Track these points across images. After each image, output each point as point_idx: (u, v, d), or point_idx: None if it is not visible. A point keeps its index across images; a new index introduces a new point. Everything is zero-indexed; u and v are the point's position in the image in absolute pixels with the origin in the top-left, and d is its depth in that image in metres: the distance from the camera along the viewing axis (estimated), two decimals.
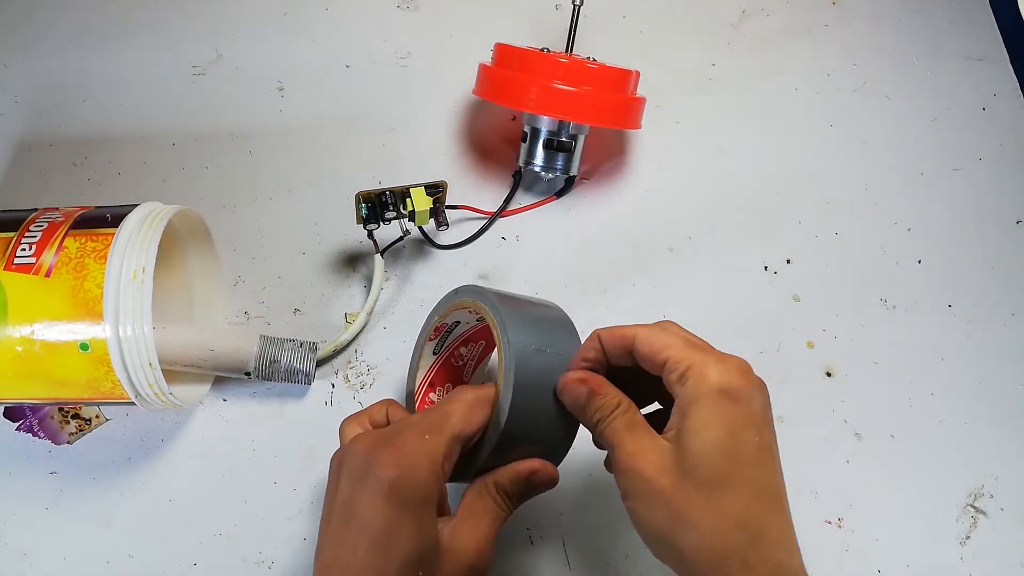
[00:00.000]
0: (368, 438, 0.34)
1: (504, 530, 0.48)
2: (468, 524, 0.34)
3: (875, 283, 0.56)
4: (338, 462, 0.35)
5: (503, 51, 0.53)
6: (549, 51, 0.52)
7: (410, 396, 0.45)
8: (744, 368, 0.33)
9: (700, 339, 0.35)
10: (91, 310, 0.39)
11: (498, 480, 0.36)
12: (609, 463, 0.35)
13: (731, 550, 0.30)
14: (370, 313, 0.52)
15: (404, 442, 0.33)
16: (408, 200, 0.50)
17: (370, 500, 0.31)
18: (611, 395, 0.35)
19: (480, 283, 0.54)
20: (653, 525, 0.32)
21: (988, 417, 0.52)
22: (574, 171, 0.56)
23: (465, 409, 0.35)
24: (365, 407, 0.40)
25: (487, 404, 0.35)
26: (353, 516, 0.32)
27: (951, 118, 0.61)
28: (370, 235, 0.51)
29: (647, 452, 0.32)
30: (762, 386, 0.33)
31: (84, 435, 0.49)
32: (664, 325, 0.35)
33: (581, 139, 0.55)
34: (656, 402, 0.39)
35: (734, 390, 0.32)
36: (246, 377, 0.48)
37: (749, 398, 0.32)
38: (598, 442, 0.37)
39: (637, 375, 0.36)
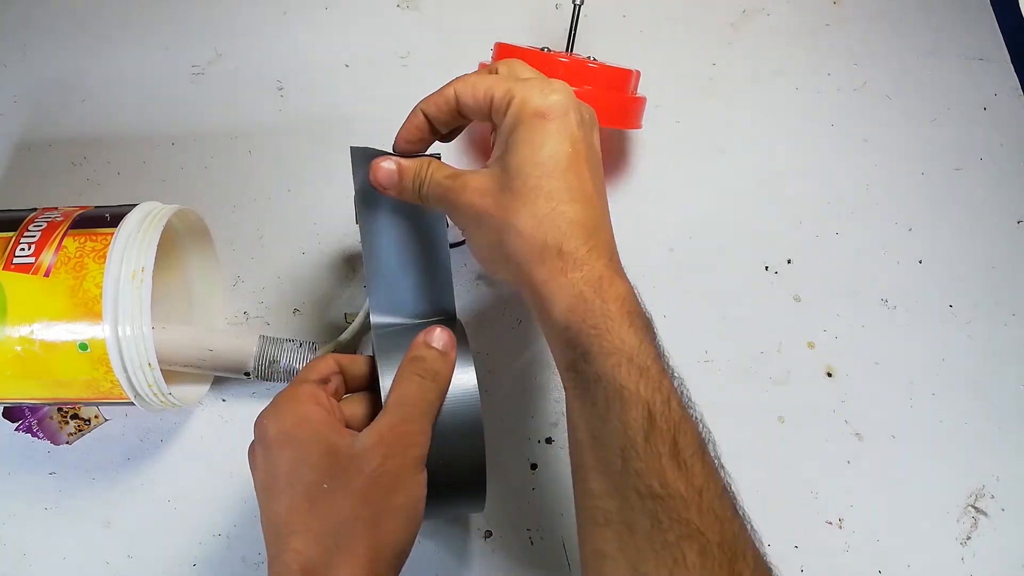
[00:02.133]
0: (259, 420, 0.37)
1: (505, 531, 0.48)
2: (382, 418, 0.36)
3: (876, 283, 0.56)
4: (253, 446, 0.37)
5: (503, 51, 0.53)
6: (549, 51, 0.52)
7: None
8: (563, 89, 0.35)
9: (534, 71, 0.38)
10: (90, 310, 0.39)
11: (411, 359, 0.37)
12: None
13: (547, 241, 0.33)
14: (369, 313, 0.51)
15: (279, 402, 0.36)
16: None
17: (274, 454, 0.34)
18: (418, 161, 0.38)
19: (480, 283, 0.54)
20: (485, 241, 0.35)
21: (988, 417, 0.52)
22: None
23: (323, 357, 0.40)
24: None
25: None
26: (278, 471, 0.34)
27: (952, 118, 0.61)
28: None
29: (470, 183, 0.35)
30: (580, 106, 0.36)
31: (83, 435, 0.49)
32: (490, 67, 0.38)
33: None
34: None
35: (549, 109, 0.34)
36: (245, 377, 0.48)
37: (563, 114, 0.34)
38: (431, 207, 0.38)
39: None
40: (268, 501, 0.34)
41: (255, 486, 0.36)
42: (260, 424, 0.35)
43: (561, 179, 0.34)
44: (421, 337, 0.38)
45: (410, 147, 0.39)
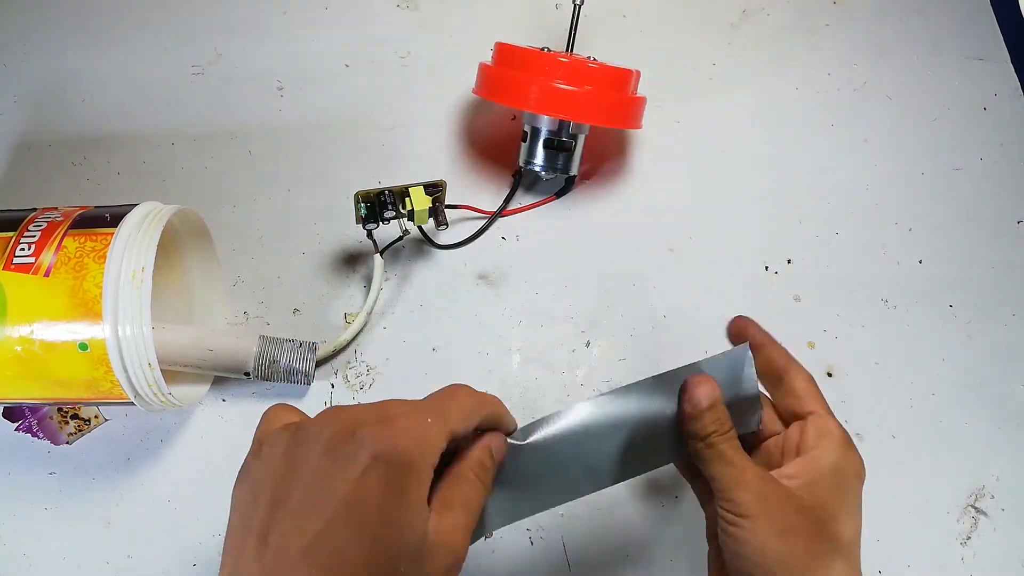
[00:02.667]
0: (346, 412, 0.30)
1: (504, 531, 0.48)
2: (448, 516, 0.30)
3: (876, 283, 0.56)
4: (293, 434, 0.30)
5: (503, 50, 0.53)
6: (549, 50, 0.52)
7: None
8: (863, 467, 0.36)
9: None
10: (90, 310, 0.39)
11: (471, 460, 0.33)
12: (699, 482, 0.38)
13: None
14: (370, 313, 0.51)
15: (399, 420, 0.29)
16: (407, 199, 0.50)
17: (359, 476, 0.27)
18: (728, 416, 0.36)
19: (480, 283, 0.54)
20: (784, 548, 0.33)
21: (988, 417, 0.52)
22: (574, 171, 0.55)
23: (466, 408, 0.32)
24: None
25: (484, 407, 0.34)
26: (330, 494, 0.27)
27: (952, 118, 0.61)
28: (369, 235, 0.51)
29: (780, 485, 0.34)
30: None
31: (83, 435, 0.49)
32: (809, 377, 0.39)
33: (581, 139, 0.54)
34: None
35: (862, 472, 0.36)
36: (245, 377, 0.48)
37: (864, 478, 0.36)
38: (696, 453, 0.36)
39: None
40: (304, 523, 0.28)
41: (251, 480, 0.30)
42: (371, 430, 0.28)
43: (859, 553, 0.35)
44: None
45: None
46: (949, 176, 0.60)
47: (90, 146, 0.58)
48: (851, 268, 0.56)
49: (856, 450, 0.36)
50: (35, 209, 0.44)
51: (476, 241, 0.55)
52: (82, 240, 0.41)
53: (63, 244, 0.41)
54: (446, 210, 0.52)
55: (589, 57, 0.53)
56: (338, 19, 0.63)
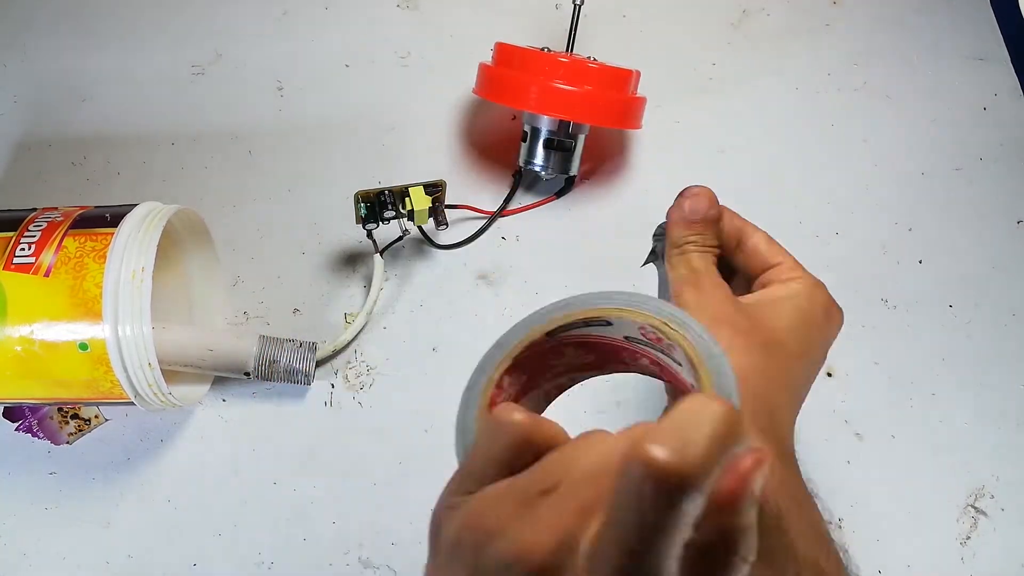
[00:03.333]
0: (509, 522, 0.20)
1: None
2: None
3: (876, 283, 0.56)
4: (468, 548, 0.21)
5: (503, 50, 0.53)
6: (549, 50, 0.52)
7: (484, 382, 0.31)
8: (838, 314, 0.36)
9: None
10: (90, 310, 0.39)
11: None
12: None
13: (777, 401, 0.33)
14: (370, 313, 0.51)
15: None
16: (407, 199, 0.50)
17: None
18: (712, 237, 0.36)
19: (480, 283, 0.54)
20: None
21: (988, 417, 0.52)
22: (574, 171, 0.55)
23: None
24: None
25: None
26: None
27: (952, 118, 0.61)
28: (369, 235, 0.51)
29: (732, 291, 0.33)
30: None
31: (83, 435, 0.49)
32: (767, 236, 0.38)
33: (581, 139, 0.54)
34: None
35: (833, 315, 0.36)
36: (245, 377, 0.48)
37: (837, 325, 0.36)
38: (671, 259, 0.36)
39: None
40: None
41: None
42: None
43: (802, 374, 0.36)
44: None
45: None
46: (949, 176, 0.60)
47: (90, 146, 0.58)
48: (851, 268, 0.56)
49: (827, 293, 0.36)
50: (35, 209, 0.44)
51: (476, 241, 0.55)
52: (82, 240, 0.41)
53: (63, 244, 0.41)
54: (446, 210, 0.52)
55: (589, 57, 0.53)
56: (338, 19, 0.63)
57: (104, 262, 0.40)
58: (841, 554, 0.31)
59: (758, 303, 0.33)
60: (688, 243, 0.35)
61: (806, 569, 0.26)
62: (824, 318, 0.34)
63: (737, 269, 0.37)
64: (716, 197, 0.37)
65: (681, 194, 0.36)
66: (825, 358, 0.35)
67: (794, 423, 0.33)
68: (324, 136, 0.58)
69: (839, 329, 0.35)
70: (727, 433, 0.18)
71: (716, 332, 0.28)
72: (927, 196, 0.59)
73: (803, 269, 0.36)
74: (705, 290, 0.33)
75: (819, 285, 0.35)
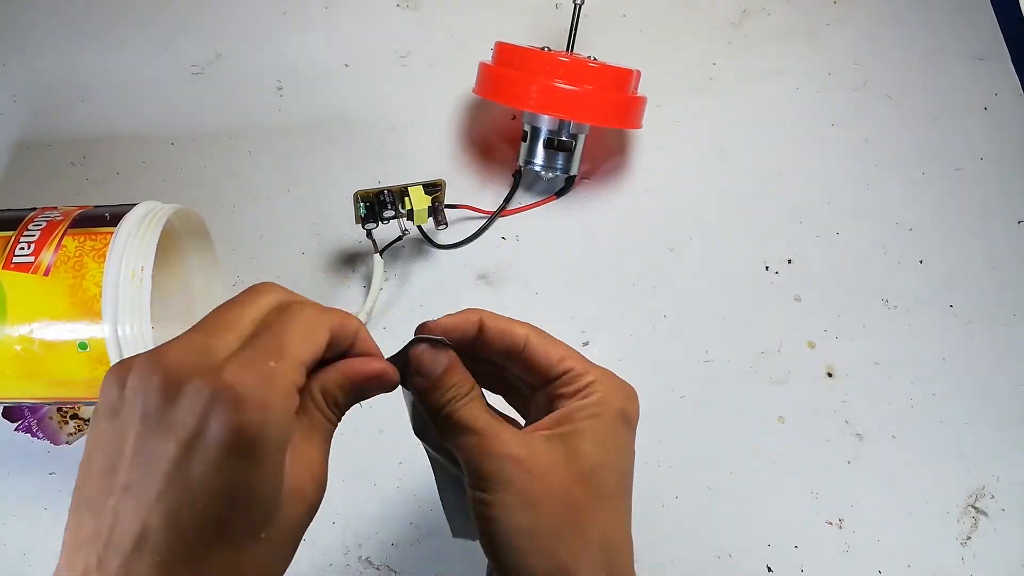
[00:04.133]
0: (187, 357, 0.24)
1: None
2: (303, 454, 0.26)
3: (876, 283, 0.56)
4: (144, 384, 0.24)
5: (503, 50, 0.53)
6: (550, 50, 0.52)
7: None
8: (636, 398, 0.32)
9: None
10: (90, 309, 0.39)
11: (326, 388, 0.28)
12: (442, 455, 0.32)
13: (612, 561, 0.29)
14: (370, 313, 0.51)
15: (244, 369, 0.24)
16: (406, 199, 0.50)
17: (206, 459, 0.23)
18: (468, 378, 0.31)
19: (480, 283, 0.54)
20: (527, 523, 0.28)
21: (989, 417, 0.52)
22: (574, 171, 0.55)
23: (310, 327, 0.27)
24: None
25: (327, 324, 0.28)
26: (180, 475, 0.23)
27: (952, 118, 0.61)
28: (369, 235, 0.51)
29: (529, 443, 0.29)
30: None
31: (83, 435, 0.49)
32: (545, 333, 0.33)
33: (581, 139, 0.54)
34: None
35: (632, 418, 0.32)
36: None
37: (635, 428, 0.32)
38: (440, 427, 0.31)
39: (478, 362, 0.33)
40: (101, 488, 0.24)
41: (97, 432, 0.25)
42: (215, 403, 0.23)
43: (629, 498, 0.31)
44: None
45: (445, 336, 0.32)
46: (949, 176, 0.60)
47: (90, 146, 0.58)
48: (851, 268, 0.56)
49: (617, 381, 0.32)
50: (35, 208, 0.44)
51: (476, 241, 0.55)
52: (82, 239, 0.41)
53: (63, 243, 0.41)
54: (446, 210, 0.52)
55: (589, 57, 0.53)
56: (338, 19, 0.63)
57: (104, 261, 0.40)
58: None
59: (563, 438, 0.30)
60: (450, 400, 0.30)
61: None
62: (626, 428, 0.31)
63: (518, 380, 0.34)
64: (449, 325, 0.32)
65: (409, 363, 0.31)
66: (634, 452, 0.32)
67: (630, 547, 0.31)
68: (324, 136, 0.58)
69: (638, 409, 0.32)
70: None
71: (554, 505, 0.28)
72: (927, 196, 0.59)
73: (591, 366, 0.32)
74: (517, 460, 0.29)
75: (612, 387, 0.32)
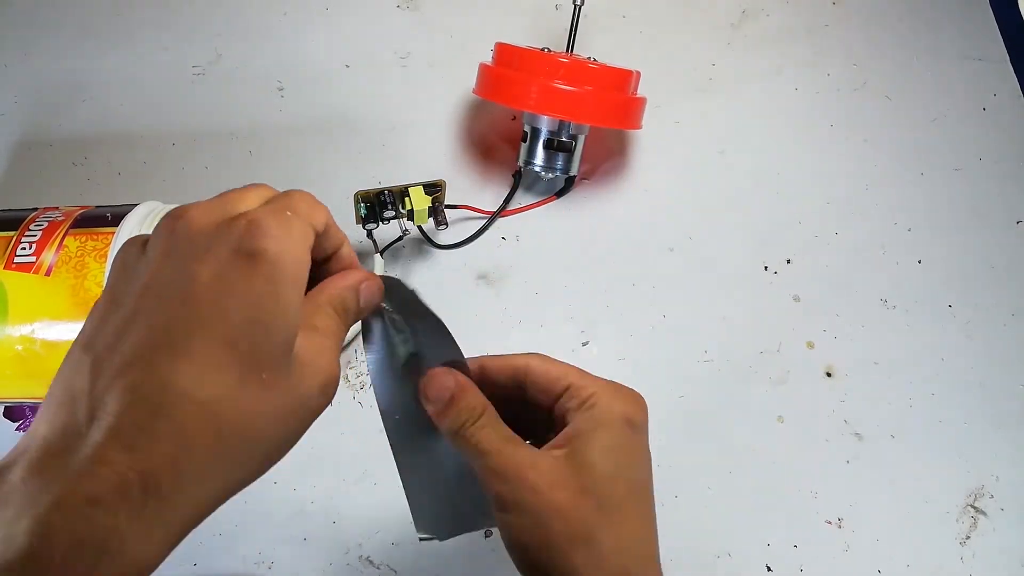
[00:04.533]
0: (212, 209, 0.26)
1: None
2: (316, 337, 0.27)
3: (875, 283, 0.56)
4: (165, 224, 0.25)
5: (503, 51, 0.53)
6: (549, 51, 0.52)
7: None
8: (643, 404, 0.33)
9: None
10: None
11: (331, 292, 0.29)
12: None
13: (627, 570, 0.30)
14: None
15: (264, 213, 0.25)
16: (407, 199, 0.50)
17: (224, 270, 0.23)
18: (480, 398, 0.32)
19: (480, 283, 0.54)
20: (541, 539, 0.29)
21: (988, 417, 0.52)
22: (574, 171, 0.56)
23: (311, 207, 0.28)
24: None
25: (324, 208, 0.28)
26: (189, 289, 0.23)
27: (951, 118, 0.61)
28: (369, 235, 0.51)
29: (537, 463, 0.30)
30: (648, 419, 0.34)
31: None
32: (544, 356, 0.34)
33: (581, 139, 0.55)
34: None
35: (638, 424, 0.32)
36: None
37: (646, 431, 0.33)
38: (456, 447, 0.32)
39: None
40: (180, 315, 0.23)
41: (159, 280, 0.24)
42: (243, 226, 0.24)
43: (649, 502, 0.32)
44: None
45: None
46: (949, 176, 0.60)
47: (91, 146, 0.58)
48: (851, 268, 0.56)
49: (619, 389, 0.32)
50: (36, 209, 0.44)
51: (476, 241, 0.55)
52: (83, 239, 0.41)
53: (64, 243, 0.41)
54: (446, 210, 0.52)
55: (589, 57, 0.53)
56: (338, 19, 0.63)
57: (105, 261, 0.40)
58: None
59: (571, 454, 0.31)
60: (463, 424, 0.31)
61: None
62: (633, 433, 0.32)
63: (528, 403, 0.34)
64: (456, 367, 0.32)
65: (420, 391, 0.32)
66: (649, 454, 0.33)
67: (655, 548, 0.32)
68: (324, 136, 0.59)
69: (646, 412, 0.33)
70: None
71: (563, 522, 0.29)
72: (927, 196, 0.59)
73: (591, 380, 0.33)
74: (526, 481, 0.30)
75: (613, 395, 0.32)
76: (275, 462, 0.25)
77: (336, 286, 0.29)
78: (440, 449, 0.33)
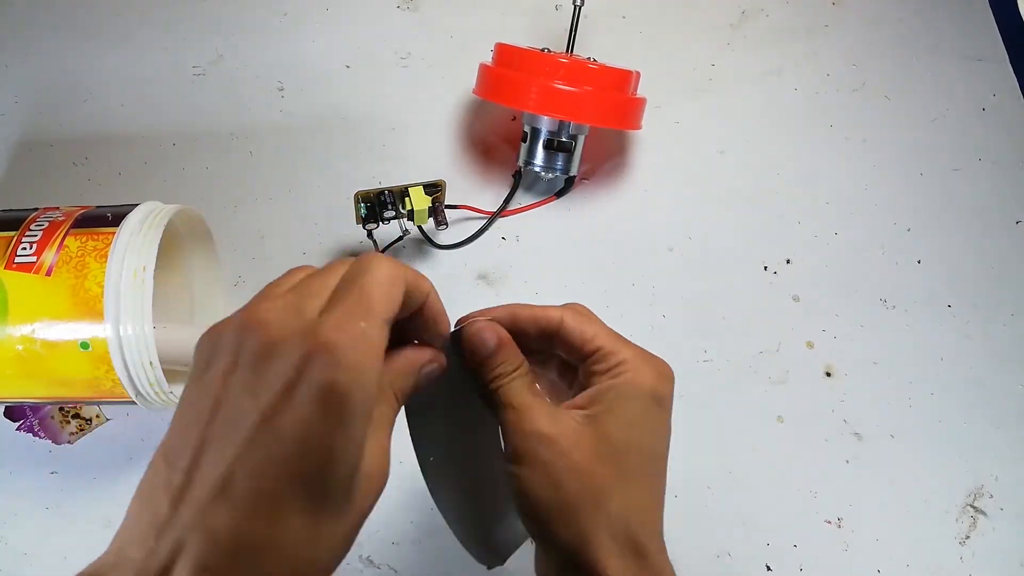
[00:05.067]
0: (286, 315, 0.25)
1: None
2: (373, 441, 0.27)
3: (875, 283, 0.56)
4: (234, 346, 0.25)
5: (503, 51, 0.53)
6: (549, 51, 0.52)
7: None
8: (671, 375, 0.33)
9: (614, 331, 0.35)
10: (92, 309, 0.39)
11: (395, 380, 0.29)
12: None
13: (635, 537, 0.30)
14: None
15: (339, 330, 0.24)
16: (407, 199, 0.50)
17: (298, 413, 0.23)
18: (517, 353, 0.33)
19: (480, 283, 0.54)
20: (553, 496, 0.30)
21: (988, 417, 0.52)
22: (574, 171, 0.56)
23: (388, 284, 0.27)
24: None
25: (403, 278, 0.28)
26: (270, 428, 0.23)
27: (951, 118, 0.61)
28: (369, 235, 0.51)
29: (558, 421, 0.31)
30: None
31: (85, 435, 0.49)
32: (581, 310, 0.34)
33: (581, 139, 0.55)
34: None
35: (664, 398, 0.32)
36: None
37: (670, 406, 0.33)
38: (486, 402, 0.33)
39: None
40: (241, 456, 0.23)
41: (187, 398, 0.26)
42: (314, 353, 0.24)
43: (661, 476, 0.32)
44: None
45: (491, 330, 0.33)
46: (948, 176, 0.60)
47: (91, 146, 0.58)
48: (850, 268, 0.56)
49: (650, 360, 0.33)
50: (36, 209, 0.44)
51: (476, 241, 0.55)
52: (84, 239, 0.41)
53: (65, 243, 0.41)
54: (446, 210, 0.52)
55: (589, 58, 0.53)
56: (338, 19, 0.63)
57: (105, 261, 0.40)
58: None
59: (592, 418, 0.31)
60: (496, 377, 0.32)
61: None
62: (657, 408, 0.32)
63: (560, 358, 0.35)
64: (495, 318, 0.34)
65: (461, 340, 0.33)
66: (670, 428, 0.33)
67: (661, 522, 0.32)
68: (324, 136, 0.59)
69: (673, 384, 0.33)
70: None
71: (576, 481, 0.30)
72: (926, 196, 0.59)
73: (623, 345, 0.33)
74: (545, 437, 0.30)
75: (643, 366, 0.32)
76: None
77: (402, 366, 0.29)
78: (478, 478, 0.35)
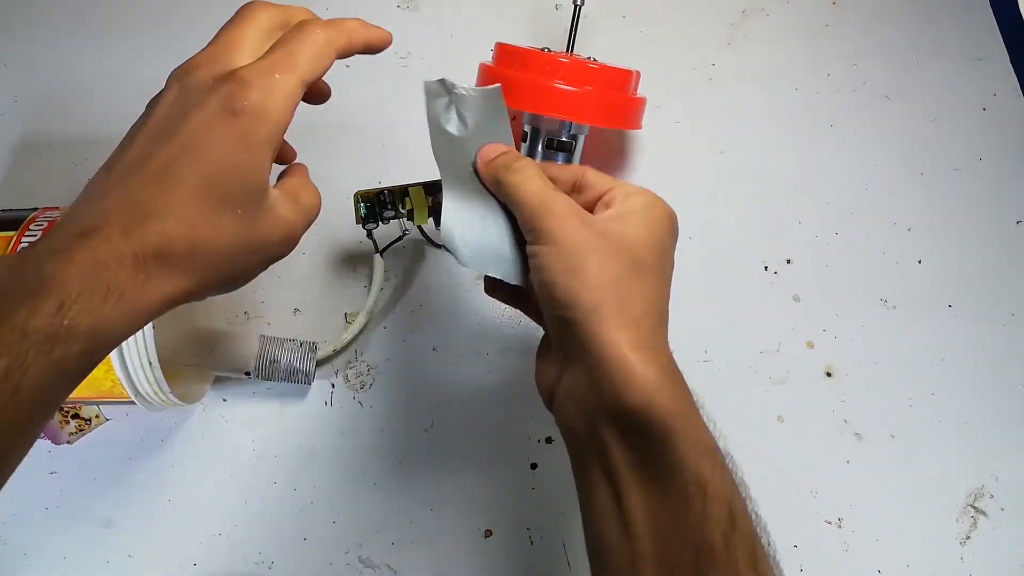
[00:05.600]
0: (211, 63, 0.31)
1: (504, 531, 0.48)
2: (288, 202, 0.33)
3: (875, 283, 0.56)
4: (176, 77, 0.32)
5: (503, 51, 0.53)
6: (549, 51, 0.52)
7: None
8: (677, 219, 0.37)
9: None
10: None
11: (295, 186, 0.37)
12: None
13: (647, 320, 0.33)
14: (370, 313, 0.52)
15: (253, 74, 0.30)
16: (407, 199, 0.50)
17: (211, 120, 0.29)
18: (524, 157, 0.38)
19: (480, 283, 0.54)
20: (572, 274, 0.32)
21: (988, 417, 0.52)
22: None
23: (316, 50, 0.32)
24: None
25: (341, 38, 0.34)
26: (183, 131, 0.29)
27: (951, 118, 0.61)
28: (369, 235, 0.51)
29: (580, 210, 0.34)
30: None
31: (84, 435, 0.49)
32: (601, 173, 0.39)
33: (581, 139, 0.54)
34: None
35: (675, 226, 0.36)
36: (246, 377, 0.48)
37: (675, 241, 0.36)
38: (499, 188, 0.38)
39: None
40: (151, 147, 0.30)
41: (152, 122, 0.31)
42: (229, 82, 0.30)
43: (668, 286, 0.35)
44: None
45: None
46: (949, 176, 0.60)
47: (91, 146, 0.58)
48: (850, 268, 0.56)
49: (664, 204, 0.36)
50: (36, 209, 0.44)
51: None
52: None
53: None
54: None
55: (589, 58, 0.53)
56: None
57: None
58: (728, 461, 0.33)
59: (609, 220, 0.35)
60: (509, 165, 0.37)
61: (692, 481, 0.30)
62: (669, 227, 0.36)
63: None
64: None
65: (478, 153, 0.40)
66: (673, 266, 0.36)
67: (667, 336, 0.35)
68: (324, 136, 0.59)
69: (679, 231, 0.37)
70: None
71: (586, 262, 0.32)
72: (926, 196, 0.59)
73: (639, 187, 0.37)
74: (558, 216, 0.34)
75: (657, 198, 0.37)
76: (232, 286, 0.31)
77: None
78: (488, 202, 0.39)
